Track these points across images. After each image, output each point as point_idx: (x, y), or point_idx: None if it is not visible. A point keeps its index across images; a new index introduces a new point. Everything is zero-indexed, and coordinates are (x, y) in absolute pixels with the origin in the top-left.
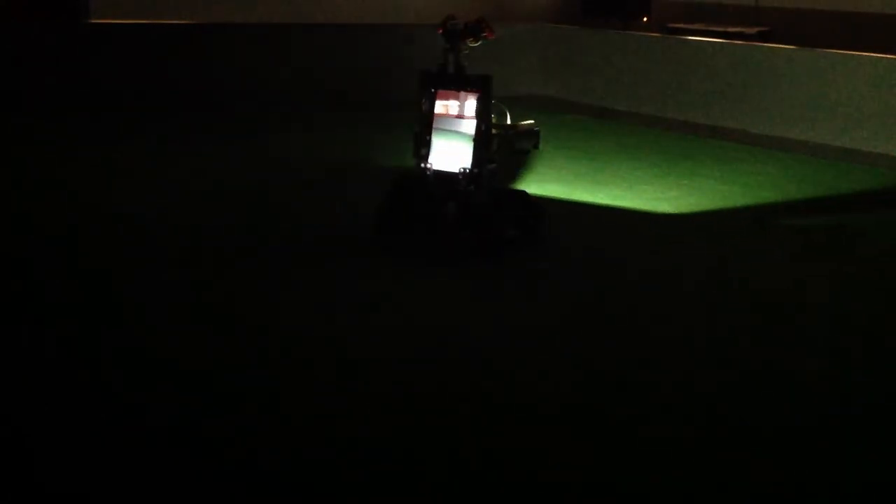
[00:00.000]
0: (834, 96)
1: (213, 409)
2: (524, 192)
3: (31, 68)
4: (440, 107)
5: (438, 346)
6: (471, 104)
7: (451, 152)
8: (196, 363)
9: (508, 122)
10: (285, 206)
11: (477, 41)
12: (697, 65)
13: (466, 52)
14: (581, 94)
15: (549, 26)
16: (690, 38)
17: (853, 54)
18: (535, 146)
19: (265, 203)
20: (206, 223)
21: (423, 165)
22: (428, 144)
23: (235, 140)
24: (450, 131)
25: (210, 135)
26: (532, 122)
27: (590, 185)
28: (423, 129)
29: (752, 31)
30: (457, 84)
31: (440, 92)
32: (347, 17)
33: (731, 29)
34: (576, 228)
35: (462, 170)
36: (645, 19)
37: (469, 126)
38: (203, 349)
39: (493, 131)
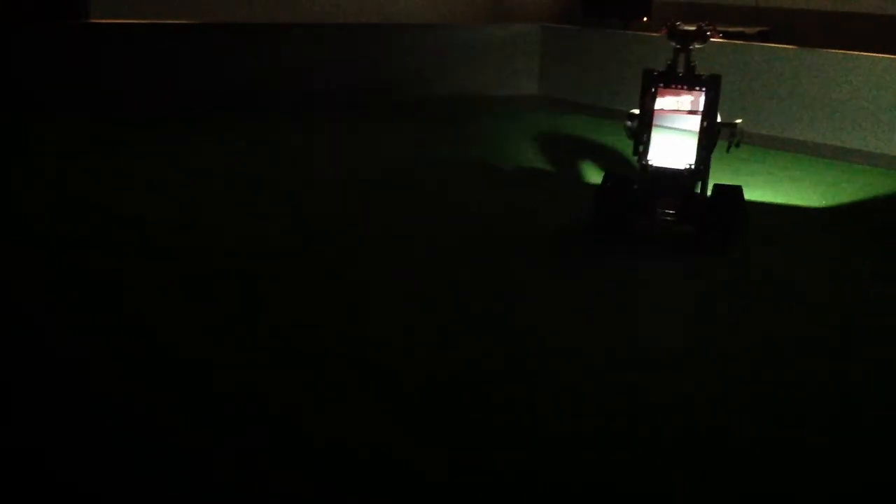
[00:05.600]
0: (834, 96)
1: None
2: (739, 188)
3: (31, 68)
4: (663, 105)
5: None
6: (699, 102)
7: (671, 150)
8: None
9: (719, 119)
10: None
11: (704, 42)
12: (698, 65)
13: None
14: (581, 94)
15: (549, 26)
16: None
17: (853, 54)
18: (738, 144)
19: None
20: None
21: (642, 163)
22: (647, 142)
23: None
24: (671, 129)
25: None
26: (740, 120)
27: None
28: (642, 127)
29: (752, 31)
30: (686, 83)
31: (662, 90)
32: (345, 17)
33: (731, 29)
34: None
35: (688, 167)
36: (645, 19)
37: (693, 124)
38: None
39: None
